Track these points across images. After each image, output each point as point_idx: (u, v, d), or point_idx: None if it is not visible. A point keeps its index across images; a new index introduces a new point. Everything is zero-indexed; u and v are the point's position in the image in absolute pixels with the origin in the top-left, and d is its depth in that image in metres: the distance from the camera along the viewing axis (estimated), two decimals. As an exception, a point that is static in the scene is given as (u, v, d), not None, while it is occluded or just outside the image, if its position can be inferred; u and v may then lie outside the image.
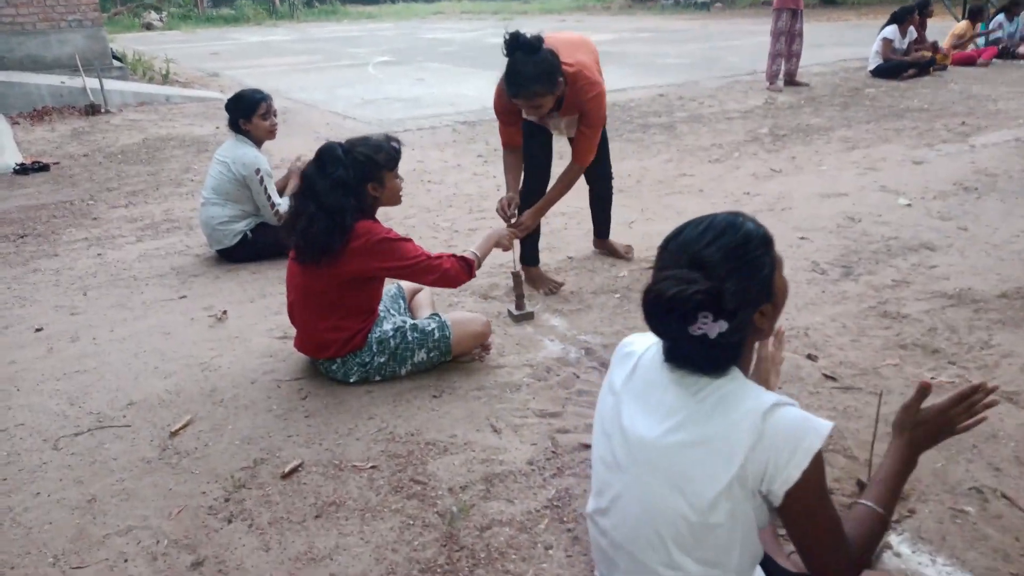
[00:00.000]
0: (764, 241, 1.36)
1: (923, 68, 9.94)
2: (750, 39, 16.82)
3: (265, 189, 4.05)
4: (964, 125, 7.04)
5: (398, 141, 2.77)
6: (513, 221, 3.36)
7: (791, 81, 9.62)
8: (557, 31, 3.44)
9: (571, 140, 3.47)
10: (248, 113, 4.04)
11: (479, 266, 2.89)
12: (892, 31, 9.99)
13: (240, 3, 32.15)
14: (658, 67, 12.28)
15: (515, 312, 3.38)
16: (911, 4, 10.42)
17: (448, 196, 5.48)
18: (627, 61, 13.33)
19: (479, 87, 10.83)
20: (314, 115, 9.05)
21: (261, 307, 3.66)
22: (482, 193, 5.49)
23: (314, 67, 14.33)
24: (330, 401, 2.77)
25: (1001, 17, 11.56)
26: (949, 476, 2.21)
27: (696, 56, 13.64)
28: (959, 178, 5.33)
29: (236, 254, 4.16)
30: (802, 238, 4.28)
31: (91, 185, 6.09)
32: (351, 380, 2.83)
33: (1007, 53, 11.16)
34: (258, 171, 4.00)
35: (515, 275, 3.35)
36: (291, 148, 6.85)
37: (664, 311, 1.31)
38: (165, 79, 11.55)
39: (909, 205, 4.78)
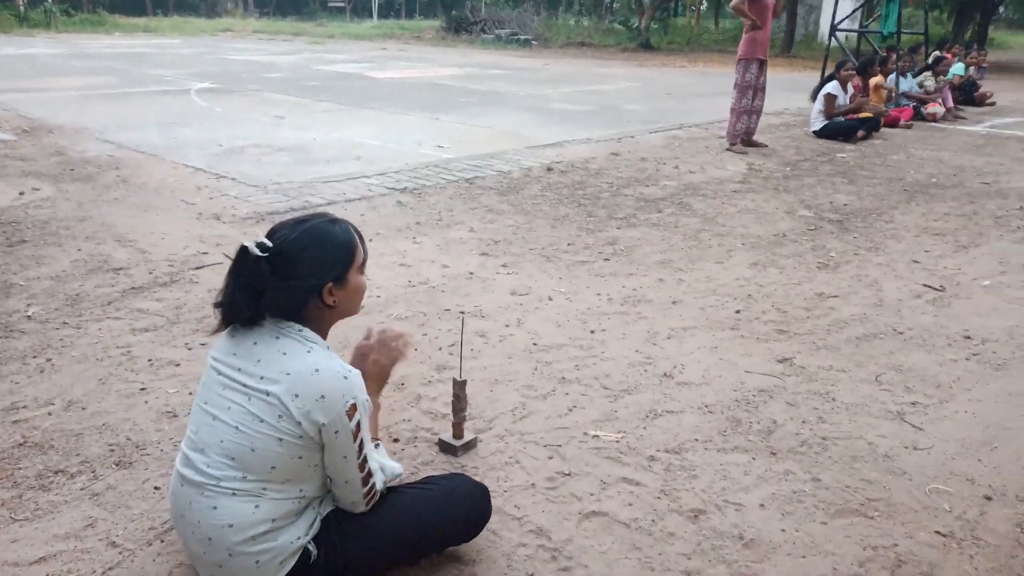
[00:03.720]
0: None
1: (870, 129, 9.16)
2: (613, 83, 15.85)
3: (360, 446, 1.71)
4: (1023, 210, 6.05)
5: None
6: None
7: (749, 141, 8.37)
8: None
9: None
10: (343, 269, 1.72)
11: None
12: (834, 87, 9.14)
13: (-23, 4, 26.69)
14: (562, 114, 10.65)
15: (455, 442, 2.41)
16: (843, 59, 9.68)
17: (526, 349, 3.29)
18: (517, 104, 11.58)
19: (369, 131, 8.49)
20: (164, 171, 6.27)
21: None
22: (572, 337, 3.38)
23: (118, 93, 11.08)
24: None
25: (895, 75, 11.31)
26: None
27: (586, 101, 12.21)
28: None
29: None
30: None
31: None
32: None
33: (917, 113, 10.86)
34: (354, 410, 1.67)
35: (457, 385, 2.33)
36: (173, 245, 4.24)
37: None
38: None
39: None
